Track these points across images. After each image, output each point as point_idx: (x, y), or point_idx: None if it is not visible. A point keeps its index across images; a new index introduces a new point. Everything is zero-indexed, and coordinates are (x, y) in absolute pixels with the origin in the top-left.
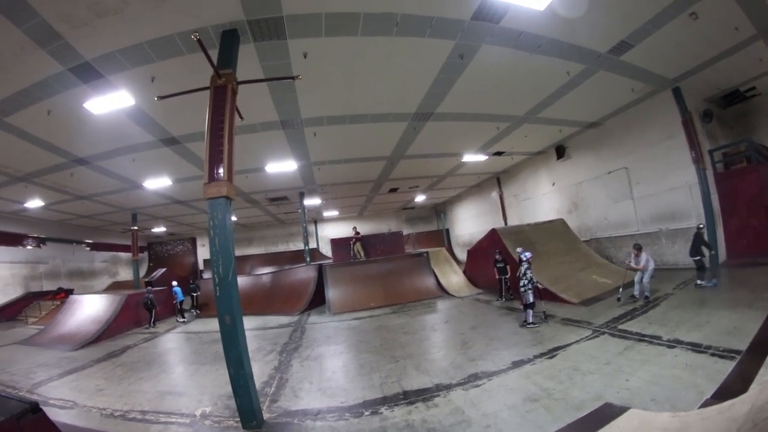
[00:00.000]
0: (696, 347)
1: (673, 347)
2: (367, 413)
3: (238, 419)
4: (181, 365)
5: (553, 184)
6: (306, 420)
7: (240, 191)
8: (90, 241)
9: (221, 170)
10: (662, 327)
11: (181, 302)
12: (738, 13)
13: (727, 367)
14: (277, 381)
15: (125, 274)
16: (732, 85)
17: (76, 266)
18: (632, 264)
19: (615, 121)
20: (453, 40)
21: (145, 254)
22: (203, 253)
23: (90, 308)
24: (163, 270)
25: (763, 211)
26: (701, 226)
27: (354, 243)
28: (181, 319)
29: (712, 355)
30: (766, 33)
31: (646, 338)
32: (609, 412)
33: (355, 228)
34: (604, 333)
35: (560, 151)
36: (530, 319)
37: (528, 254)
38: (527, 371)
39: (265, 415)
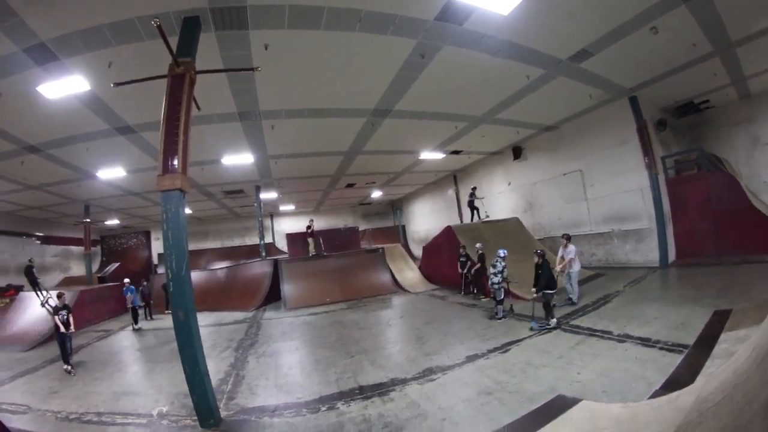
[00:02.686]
0: (645, 341)
1: (623, 341)
2: (323, 408)
3: (196, 418)
4: (136, 364)
5: (509, 183)
6: (263, 417)
7: (195, 183)
8: (41, 234)
9: (176, 162)
10: (613, 322)
11: (136, 307)
12: (696, 30)
13: (675, 360)
14: (234, 378)
15: (77, 269)
16: (687, 97)
17: (26, 261)
18: (562, 254)
19: (571, 125)
20: (415, 39)
21: (98, 248)
22: (158, 246)
23: (41, 306)
24: (117, 264)
25: (710, 216)
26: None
27: (308, 237)
28: (136, 326)
29: (661, 349)
30: (722, 50)
31: (597, 333)
32: (561, 404)
33: (311, 220)
34: (556, 328)
35: (517, 152)
36: (500, 314)
37: (504, 252)
38: (481, 365)
39: (223, 413)
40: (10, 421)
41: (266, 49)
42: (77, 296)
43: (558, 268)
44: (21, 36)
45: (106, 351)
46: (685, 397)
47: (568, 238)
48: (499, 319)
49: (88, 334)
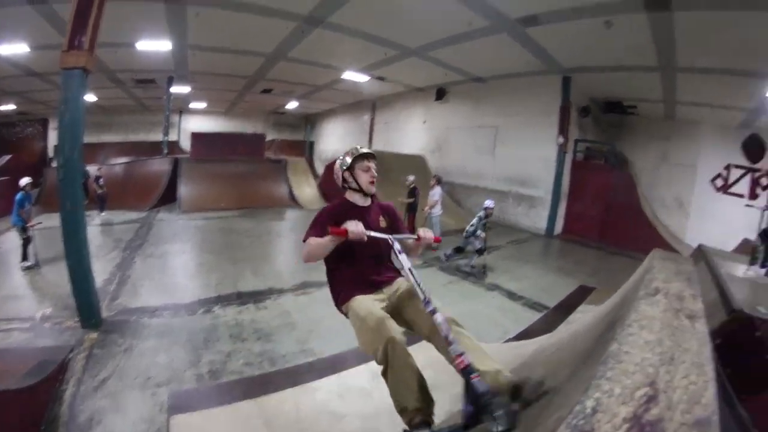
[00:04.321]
0: (512, 295)
1: (492, 290)
2: (201, 311)
3: (78, 319)
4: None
5: (425, 122)
6: (143, 317)
7: (105, 68)
8: None
9: (84, 38)
10: (488, 272)
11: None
12: (648, 40)
13: (534, 317)
14: (119, 278)
15: None
16: (618, 97)
17: None
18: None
19: (500, 83)
20: None
21: None
22: (55, 138)
23: None
24: (8, 157)
25: (602, 205)
26: None
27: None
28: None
29: (524, 305)
30: (664, 68)
31: (470, 278)
32: None
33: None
34: (433, 266)
35: (440, 93)
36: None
37: (490, 203)
38: None
39: (105, 313)
40: None
41: None
42: None
43: (426, 209)
44: None
45: None
46: (529, 345)
47: (438, 180)
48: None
49: None
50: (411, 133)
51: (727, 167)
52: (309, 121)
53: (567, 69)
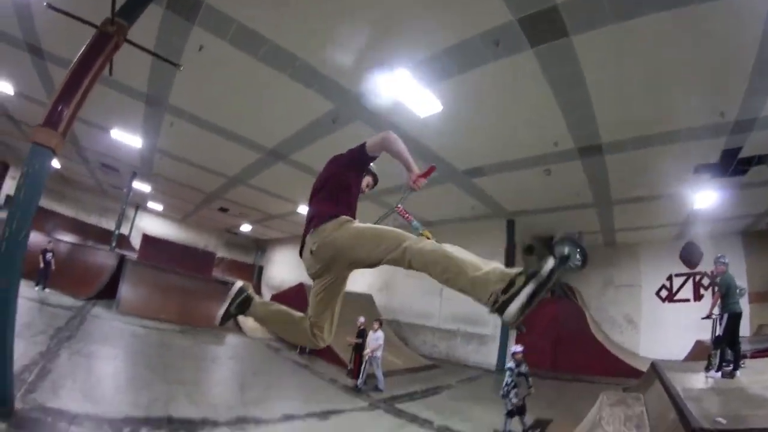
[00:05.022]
0: None
1: None
2: (126, 430)
3: None
4: None
5: None
6: (61, 422)
7: (76, 141)
8: None
9: (62, 120)
10: (437, 414)
11: None
12: (584, 182)
13: None
14: (40, 369)
15: None
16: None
17: None
18: (369, 341)
19: (447, 226)
20: (333, 104)
21: None
22: (9, 186)
23: None
24: None
25: (553, 335)
26: None
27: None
28: None
29: None
30: (599, 203)
31: (418, 420)
32: None
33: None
34: (379, 408)
35: None
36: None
37: (517, 348)
38: (296, 427)
39: (17, 405)
40: None
41: (200, 50)
42: None
43: (368, 352)
44: None
45: None
46: None
47: (380, 323)
48: None
49: None
50: (358, 271)
51: (669, 277)
52: (260, 246)
53: (511, 212)
